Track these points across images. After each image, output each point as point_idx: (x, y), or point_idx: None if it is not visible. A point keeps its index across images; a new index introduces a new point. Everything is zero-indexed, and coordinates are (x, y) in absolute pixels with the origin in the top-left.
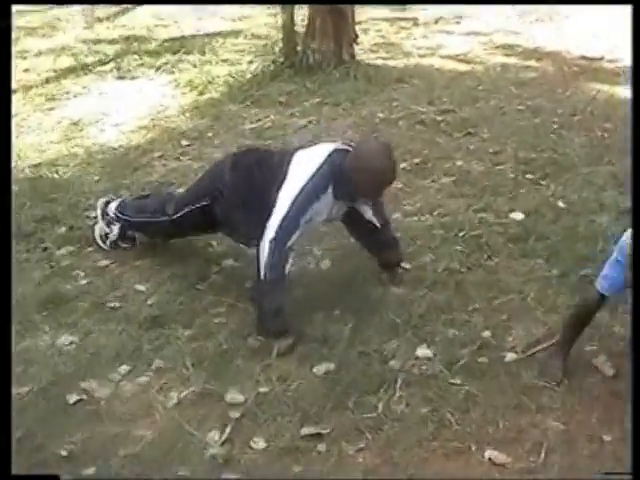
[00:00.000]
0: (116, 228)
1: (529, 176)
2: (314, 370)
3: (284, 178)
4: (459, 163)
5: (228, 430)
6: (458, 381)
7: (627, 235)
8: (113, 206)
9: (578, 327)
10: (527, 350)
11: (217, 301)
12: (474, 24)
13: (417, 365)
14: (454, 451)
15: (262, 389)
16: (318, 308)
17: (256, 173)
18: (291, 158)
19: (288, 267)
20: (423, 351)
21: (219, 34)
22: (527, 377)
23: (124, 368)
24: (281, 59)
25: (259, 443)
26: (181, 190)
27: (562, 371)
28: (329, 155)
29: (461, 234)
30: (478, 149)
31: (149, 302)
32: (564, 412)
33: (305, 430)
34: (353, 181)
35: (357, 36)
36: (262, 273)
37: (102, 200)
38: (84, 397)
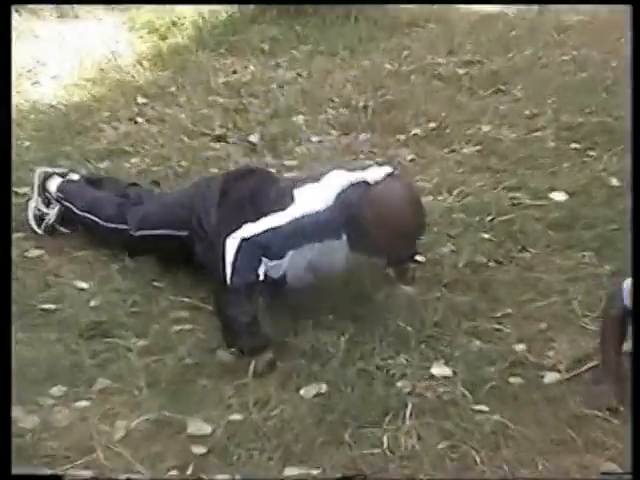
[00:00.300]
0: (56, 209)
1: (574, 145)
2: (301, 392)
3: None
4: (486, 128)
5: (190, 471)
6: (485, 408)
7: None
8: (54, 184)
9: (615, 340)
10: (572, 369)
11: (179, 303)
12: None
13: (432, 387)
14: None
15: (234, 417)
16: (307, 314)
17: (248, 209)
18: (292, 193)
19: (261, 271)
20: (440, 369)
21: None
22: (573, 404)
23: (58, 389)
24: None
25: None
26: (153, 194)
27: (616, 397)
28: (342, 192)
29: (488, 219)
30: (510, 111)
31: (92, 303)
32: (620, 451)
33: (289, 471)
34: (372, 235)
35: None
36: (228, 275)
37: (40, 170)
38: None
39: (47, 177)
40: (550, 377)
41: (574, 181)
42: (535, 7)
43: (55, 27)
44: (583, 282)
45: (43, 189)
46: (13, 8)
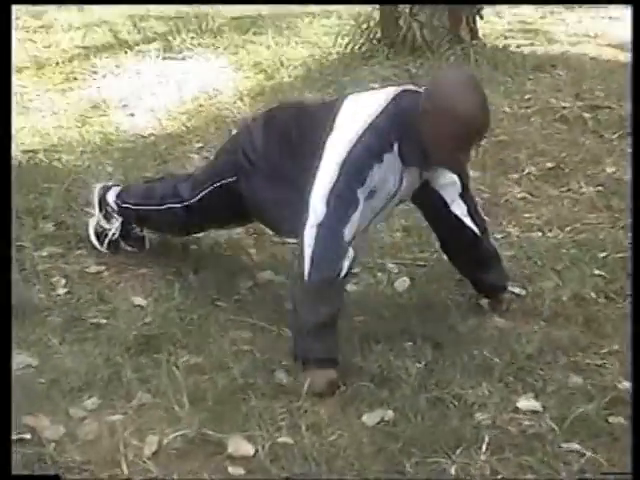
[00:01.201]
0: (117, 223)
1: None
2: (363, 419)
3: (331, 131)
4: (609, 170)
5: None
6: (576, 447)
7: None
8: (113, 193)
9: None
10: None
11: (243, 323)
12: None
13: (516, 421)
14: None
15: (283, 439)
16: (383, 338)
17: (294, 132)
18: (341, 105)
19: (347, 265)
20: (527, 403)
21: (306, 14)
22: None
23: (93, 402)
24: (378, 35)
25: None
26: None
27: None
28: (393, 98)
29: (601, 255)
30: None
31: (146, 320)
32: None
33: None
34: (427, 132)
35: (482, 8)
36: (305, 271)
37: (99, 186)
38: (26, 436)
39: (106, 191)
40: None
41: None
42: None
43: (160, 65)
44: None
45: (104, 202)
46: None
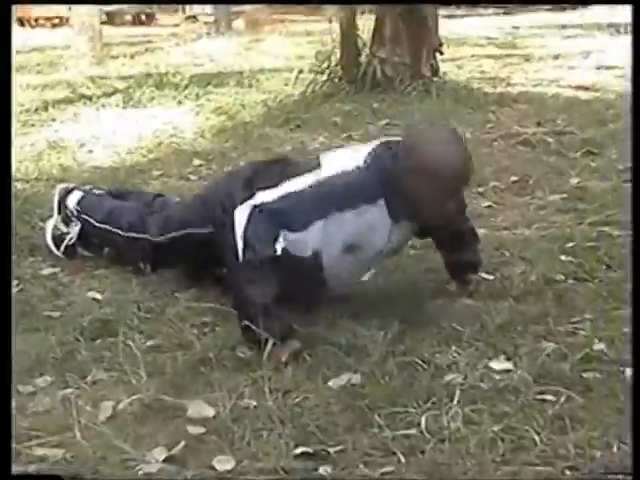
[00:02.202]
0: (76, 228)
1: None
2: (329, 383)
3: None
4: (574, 181)
5: (180, 446)
6: (551, 397)
7: None
8: (74, 199)
9: None
10: None
11: (201, 309)
12: (606, 58)
13: (488, 377)
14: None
15: (246, 402)
16: (348, 315)
17: (274, 180)
18: (323, 158)
19: (280, 244)
20: (500, 364)
21: (269, 70)
22: None
23: (44, 379)
24: (339, 74)
25: (226, 463)
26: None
27: None
28: (373, 152)
29: (570, 244)
30: (602, 167)
31: (103, 310)
32: None
33: (302, 449)
34: (412, 186)
35: (442, 44)
36: (239, 250)
37: (61, 187)
38: None
39: (67, 193)
40: (631, 372)
41: None
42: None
43: (120, 112)
44: None
45: (63, 206)
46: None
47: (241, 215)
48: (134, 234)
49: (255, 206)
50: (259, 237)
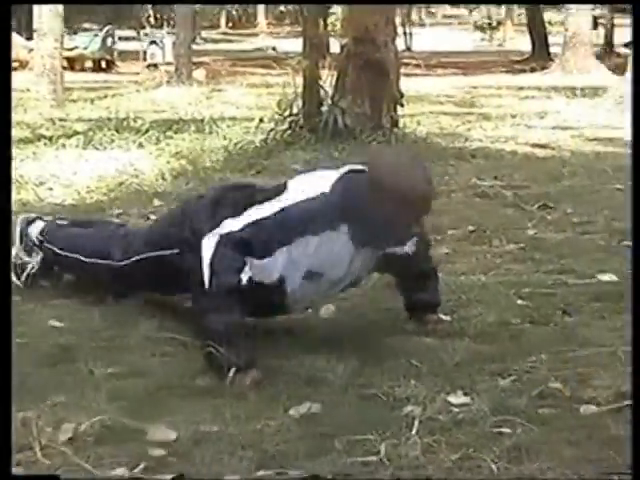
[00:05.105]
0: (38, 257)
1: (628, 243)
2: (290, 412)
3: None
4: (530, 232)
5: (141, 466)
6: (508, 430)
7: None
8: (36, 228)
9: None
10: (614, 402)
11: (164, 339)
12: (562, 118)
13: (447, 410)
14: None
15: (207, 428)
16: (309, 349)
17: (239, 208)
18: (289, 183)
19: (246, 274)
20: (458, 398)
21: (229, 118)
22: (616, 429)
23: None
24: (300, 122)
25: None
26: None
27: None
28: (339, 179)
29: (525, 290)
30: (558, 220)
31: (62, 339)
32: None
33: (262, 473)
34: (376, 212)
35: (402, 96)
36: (206, 278)
37: (23, 217)
38: None
39: (29, 223)
40: (587, 409)
41: (626, 267)
42: (592, 148)
43: (80, 153)
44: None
45: (25, 235)
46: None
47: (208, 244)
48: (97, 260)
49: (222, 235)
50: (225, 267)
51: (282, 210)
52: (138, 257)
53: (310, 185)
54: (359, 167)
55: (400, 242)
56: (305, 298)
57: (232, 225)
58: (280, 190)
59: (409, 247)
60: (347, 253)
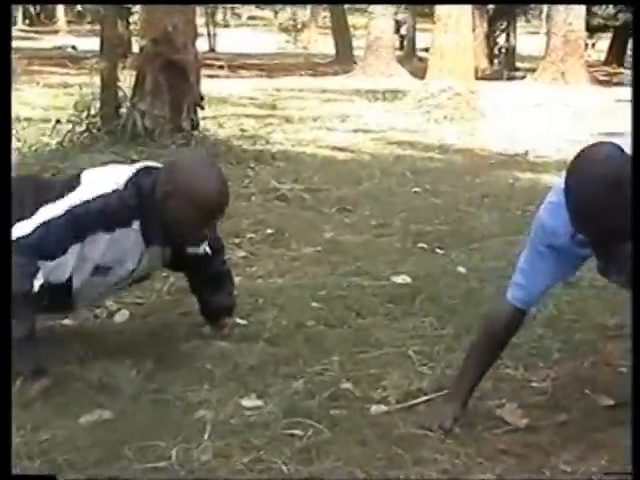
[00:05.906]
0: None
1: (422, 245)
2: (80, 420)
3: (70, 193)
4: (328, 235)
5: None
6: (300, 432)
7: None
8: None
9: (484, 359)
10: (404, 401)
11: None
12: (363, 121)
13: (239, 414)
14: None
15: None
16: (102, 354)
17: (29, 200)
18: (81, 176)
19: (38, 280)
20: (251, 401)
21: (25, 119)
22: (403, 428)
23: None
24: (98, 125)
25: None
26: None
27: (453, 419)
28: (133, 175)
29: (320, 293)
30: (356, 223)
31: None
32: (453, 465)
33: None
34: (168, 212)
35: (202, 98)
36: None
37: None
38: None
39: None
40: (377, 408)
41: (419, 268)
42: (391, 151)
43: None
44: (421, 339)
45: None
46: None
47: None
48: None
49: (13, 242)
50: (16, 274)
51: (75, 207)
52: None
53: (104, 180)
54: (155, 164)
55: (192, 243)
56: (91, 293)
57: (23, 229)
58: (73, 184)
59: (202, 249)
60: (138, 250)
